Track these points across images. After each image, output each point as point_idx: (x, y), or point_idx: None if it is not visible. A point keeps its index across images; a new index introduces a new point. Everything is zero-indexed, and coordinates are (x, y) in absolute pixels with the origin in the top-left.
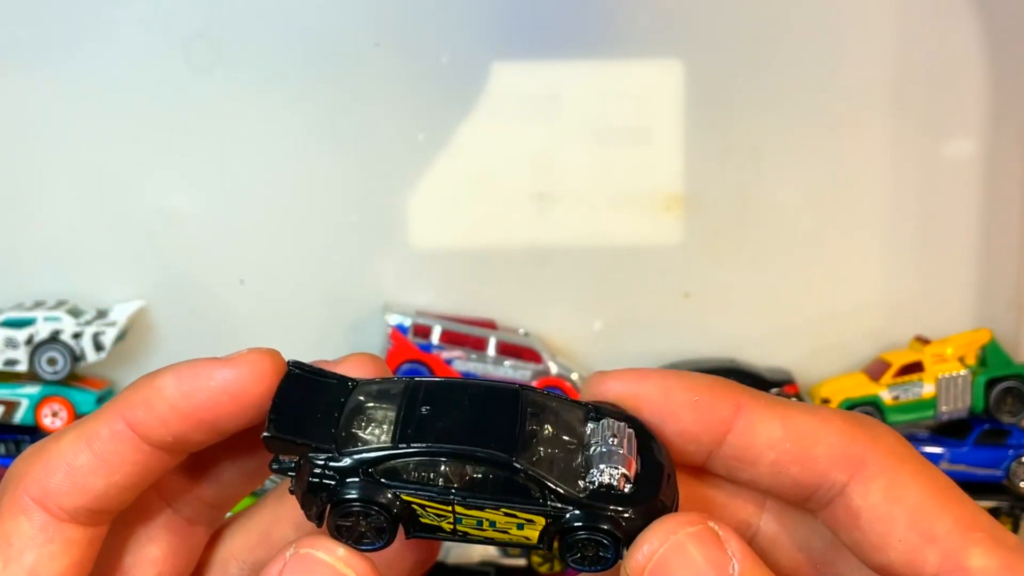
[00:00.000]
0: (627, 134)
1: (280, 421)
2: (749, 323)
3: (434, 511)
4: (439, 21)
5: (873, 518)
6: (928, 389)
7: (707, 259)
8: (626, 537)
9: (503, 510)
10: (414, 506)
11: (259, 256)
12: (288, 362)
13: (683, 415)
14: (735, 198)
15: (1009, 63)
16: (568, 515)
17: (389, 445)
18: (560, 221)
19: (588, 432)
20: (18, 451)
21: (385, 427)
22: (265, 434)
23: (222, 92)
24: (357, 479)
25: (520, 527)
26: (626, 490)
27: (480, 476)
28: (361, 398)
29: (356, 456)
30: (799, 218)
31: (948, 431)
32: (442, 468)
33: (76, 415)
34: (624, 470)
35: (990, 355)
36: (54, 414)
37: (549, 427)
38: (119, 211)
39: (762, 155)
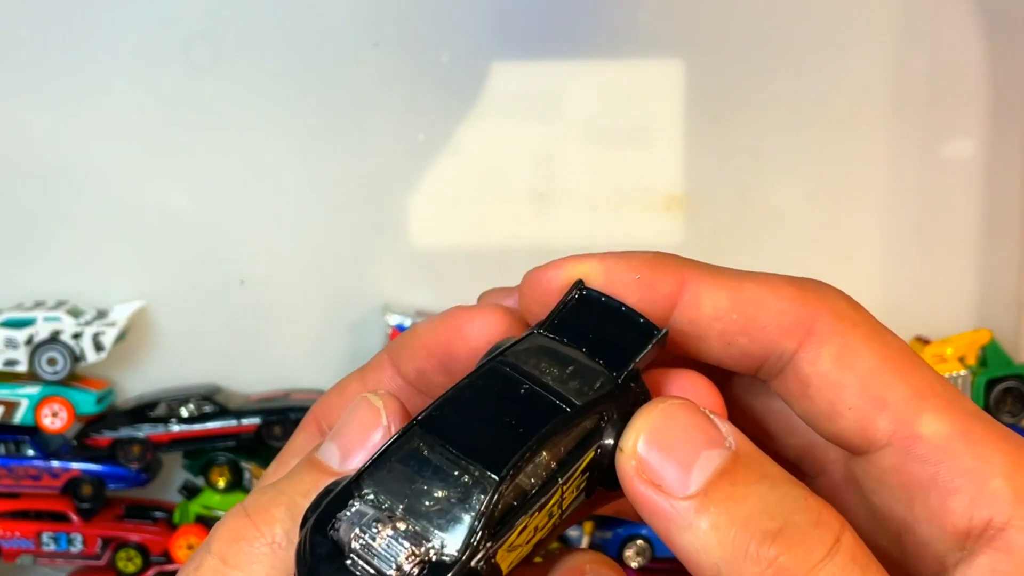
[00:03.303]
0: (627, 134)
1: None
2: None
3: None
4: (439, 21)
5: (823, 386)
6: None
7: (707, 259)
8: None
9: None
10: None
11: (259, 256)
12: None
13: (626, 296)
14: (735, 198)
15: (1009, 63)
16: None
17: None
18: (560, 221)
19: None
20: (18, 451)
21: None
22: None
23: (222, 92)
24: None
25: None
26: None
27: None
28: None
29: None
30: (799, 218)
31: None
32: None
33: (76, 415)
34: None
35: (990, 355)
36: (54, 414)
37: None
38: (119, 211)
39: (762, 155)
